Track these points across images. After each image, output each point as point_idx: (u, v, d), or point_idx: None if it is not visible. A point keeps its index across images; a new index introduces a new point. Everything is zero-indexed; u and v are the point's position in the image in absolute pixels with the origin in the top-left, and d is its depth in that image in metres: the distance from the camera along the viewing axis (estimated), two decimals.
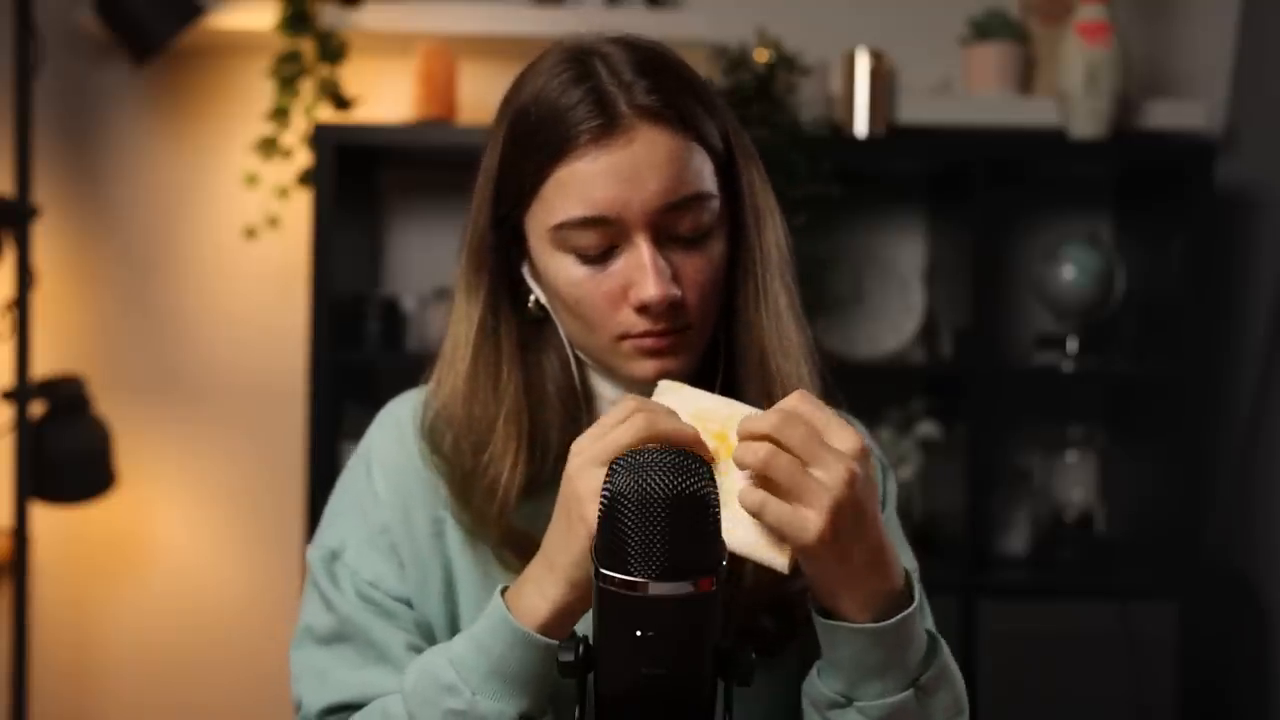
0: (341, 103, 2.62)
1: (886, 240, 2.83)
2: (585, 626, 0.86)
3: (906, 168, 2.78)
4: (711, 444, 0.90)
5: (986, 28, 2.65)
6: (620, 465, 0.80)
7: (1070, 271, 2.61)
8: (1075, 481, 2.72)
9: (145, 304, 2.81)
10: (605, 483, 0.80)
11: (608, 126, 0.98)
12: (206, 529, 2.83)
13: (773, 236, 1.07)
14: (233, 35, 2.67)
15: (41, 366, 2.63)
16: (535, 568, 0.94)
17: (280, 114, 2.59)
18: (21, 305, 2.44)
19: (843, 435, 0.88)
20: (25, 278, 2.43)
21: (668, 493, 0.78)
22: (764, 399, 0.95)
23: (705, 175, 1.01)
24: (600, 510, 0.80)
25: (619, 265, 1.00)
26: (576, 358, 1.08)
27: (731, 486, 0.89)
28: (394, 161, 2.79)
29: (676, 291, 1.00)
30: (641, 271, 0.99)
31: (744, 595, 1.01)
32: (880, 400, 2.71)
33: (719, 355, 1.07)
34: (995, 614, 2.47)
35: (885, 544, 0.90)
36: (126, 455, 2.71)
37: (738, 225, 1.06)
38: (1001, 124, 2.61)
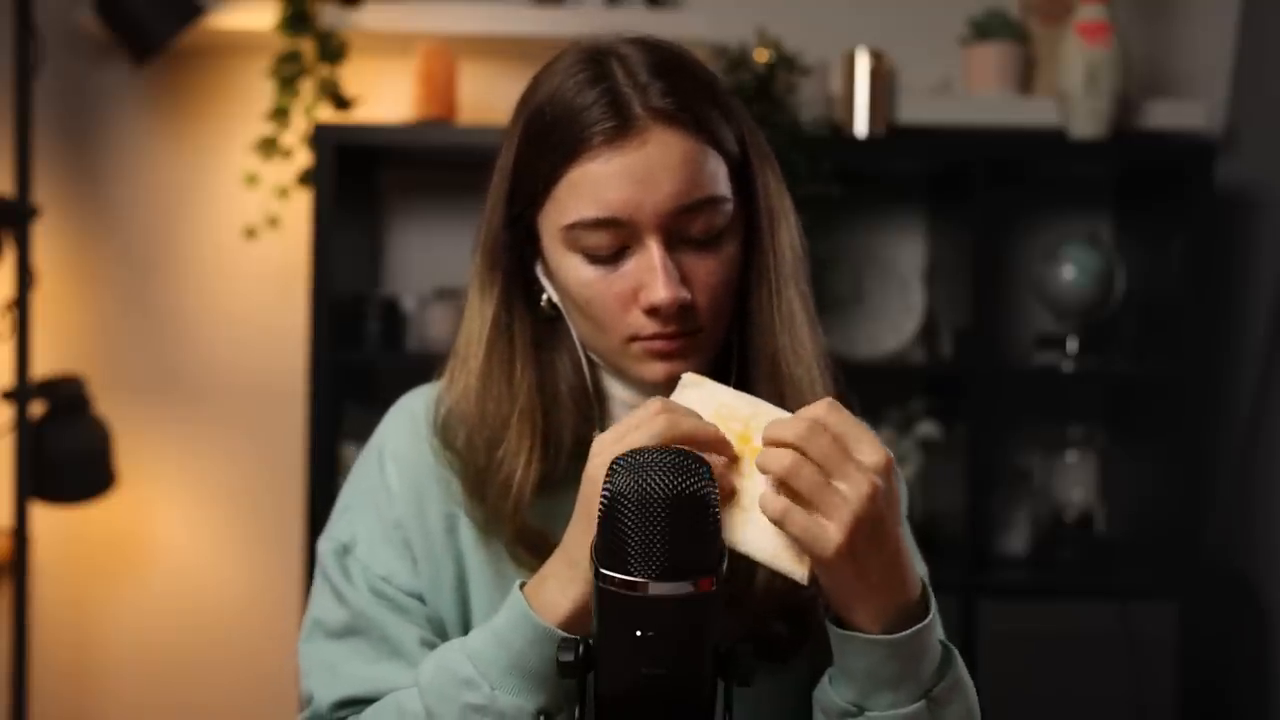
0: (341, 103, 2.62)
1: (886, 240, 2.83)
2: None
3: (906, 168, 2.78)
4: (734, 445, 0.90)
5: (986, 28, 2.65)
6: (620, 465, 0.80)
7: (1070, 271, 2.61)
8: (1075, 481, 2.72)
9: (145, 304, 2.81)
10: (605, 483, 0.80)
11: (622, 128, 0.97)
12: (206, 529, 2.83)
13: (787, 239, 1.06)
14: (233, 35, 2.67)
15: (41, 366, 2.63)
16: (555, 564, 0.93)
17: (280, 114, 2.59)
18: (21, 305, 2.44)
19: (869, 448, 0.87)
20: (25, 278, 2.43)
21: (668, 493, 0.78)
22: (776, 402, 0.95)
23: (719, 178, 1.01)
24: (600, 510, 0.80)
25: (630, 267, 1.00)
26: (588, 358, 1.08)
27: (753, 491, 0.88)
28: (394, 161, 2.79)
29: (686, 294, 0.99)
30: (652, 274, 0.99)
31: (756, 600, 1.00)
32: (880, 400, 2.71)
33: (731, 358, 1.06)
34: (995, 614, 2.47)
35: (903, 557, 0.90)
36: (126, 455, 2.71)
37: (752, 228, 1.06)
38: (1001, 124, 2.61)
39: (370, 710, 1.02)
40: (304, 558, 2.51)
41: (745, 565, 0.90)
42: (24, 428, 2.44)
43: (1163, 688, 2.45)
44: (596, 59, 1.01)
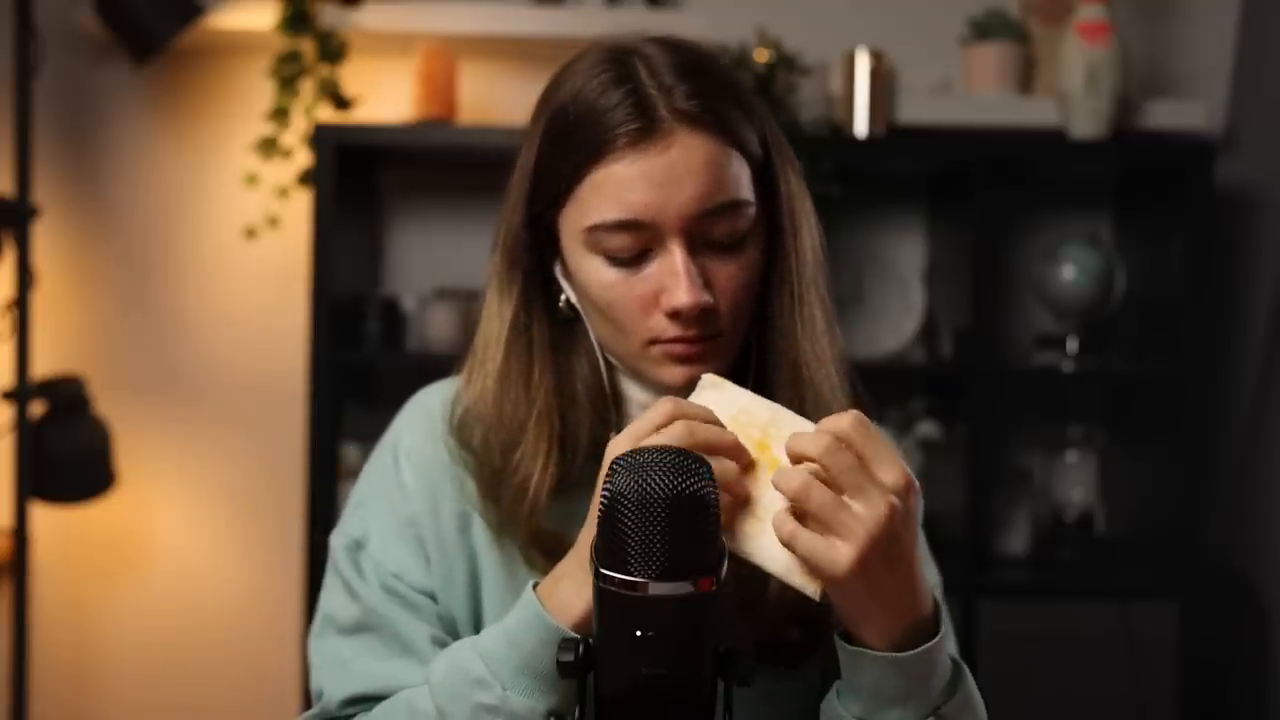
0: (341, 103, 2.62)
1: (886, 240, 2.83)
2: None
3: (906, 168, 2.78)
4: (752, 453, 0.89)
5: (986, 28, 2.65)
6: (620, 465, 0.80)
7: (1070, 271, 2.61)
8: (1075, 481, 2.72)
9: (145, 304, 2.81)
10: (605, 482, 0.80)
11: (646, 130, 0.97)
12: (206, 529, 2.83)
13: (809, 243, 1.06)
14: (233, 35, 2.66)
15: (41, 366, 2.63)
16: (570, 565, 0.93)
17: (280, 114, 2.59)
18: (21, 305, 2.44)
19: (889, 467, 0.87)
20: (25, 278, 2.43)
21: (667, 493, 0.78)
22: (796, 408, 0.95)
23: (742, 182, 1.00)
24: (600, 510, 0.80)
25: (652, 269, 1.00)
26: (606, 361, 1.07)
27: (768, 501, 0.88)
28: (394, 161, 2.79)
29: (708, 298, 0.99)
30: (674, 277, 0.98)
31: (769, 608, 1.00)
32: (880, 400, 2.69)
33: (750, 361, 1.06)
34: (995, 614, 2.47)
35: (917, 577, 0.90)
36: (126, 455, 2.71)
37: (774, 231, 1.05)
38: (1001, 124, 2.61)
39: (380, 708, 1.02)
40: (304, 558, 2.51)
41: (759, 572, 0.90)
42: (24, 428, 2.44)
43: (1163, 688, 2.45)
44: (620, 59, 1.01)
